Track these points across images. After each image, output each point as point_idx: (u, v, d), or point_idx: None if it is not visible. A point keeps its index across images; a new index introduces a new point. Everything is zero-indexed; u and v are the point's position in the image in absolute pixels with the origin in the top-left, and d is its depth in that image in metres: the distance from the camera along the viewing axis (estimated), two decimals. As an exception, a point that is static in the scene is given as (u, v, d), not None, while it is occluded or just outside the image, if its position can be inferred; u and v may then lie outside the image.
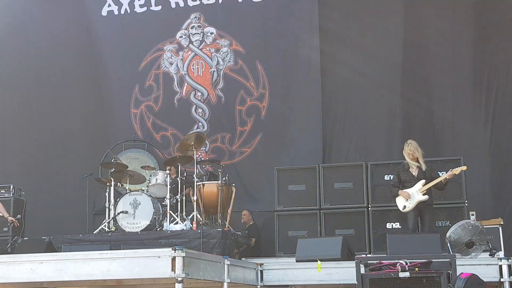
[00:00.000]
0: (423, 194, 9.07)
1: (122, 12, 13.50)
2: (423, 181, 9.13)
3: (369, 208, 10.41)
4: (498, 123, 11.38)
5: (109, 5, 13.54)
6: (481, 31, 11.68)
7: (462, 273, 6.71)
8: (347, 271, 8.00)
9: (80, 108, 13.44)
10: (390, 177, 10.19)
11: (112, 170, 10.91)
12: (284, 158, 12.16)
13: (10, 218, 10.41)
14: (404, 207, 9.16)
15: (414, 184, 9.16)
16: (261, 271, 8.51)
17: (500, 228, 9.46)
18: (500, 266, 7.70)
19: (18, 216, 10.67)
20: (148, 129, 13.10)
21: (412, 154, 9.22)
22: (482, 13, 11.72)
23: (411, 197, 9.10)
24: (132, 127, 13.05)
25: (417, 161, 9.23)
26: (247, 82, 12.78)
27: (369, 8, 12.25)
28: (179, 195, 10.50)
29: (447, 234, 8.00)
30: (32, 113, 13.71)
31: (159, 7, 13.35)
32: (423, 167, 9.19)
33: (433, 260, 7.16)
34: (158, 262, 6.77)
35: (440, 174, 9.47)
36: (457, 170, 9.13)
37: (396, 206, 9.36)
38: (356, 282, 7.17)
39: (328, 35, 12.34)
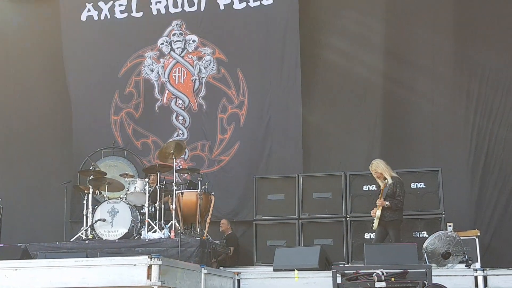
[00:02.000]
0: (380, 210, 9.03)
1: (102, 17, 13.43)
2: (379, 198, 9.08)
3: (348, 218, 10.41)
4: (477, 135, 11.45)
5: (89, 10, 13.47)
6: (461, 38, 11.76)
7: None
8: (324, 280, 7.98)
9: (59, 115, 13.36)
10: (368, 187, 10.25)
11: (90, 178, 10.86)
12: (262, 167, 12.16)
13: None
14: (372, 226, 9.23)
15: None
16: (238, 280, 8.52)
17: (477, 240, 9.52)
18: (476, 277, 7.77)
19: None
20: (129, 136, 13.04)
21: (374, 172, 9.28)
22: (462, 21, 11.79)
23: (376, 214, 9.12)
24: (112, 134, 12.98)
25: (382, 176, 9.21)
26: (229, 90, 12.78)
27: (351, 12, 12.29)
28: (157, 203, 10.45)
29: (424, 245, 8.03)
30: (9, 120, 13.62)
31: (140, 14, 13.30)
32: (389, 182, 9.14)
33: (409, 270, 7.18)
34: (134, 270, 6.76)
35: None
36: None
37: (370, 217, 9.37)
38: (333, 292, 7.18)
39: (309, 42, 12.36)
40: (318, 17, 12.51)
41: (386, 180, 9.11)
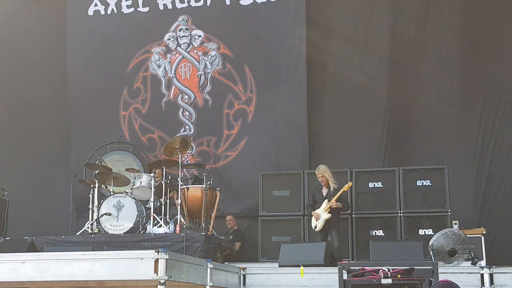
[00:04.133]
0: (328, 213, 9.44)
1: (109, 12, 13.44)
2: (326, 200, 9.54)
3: (353, 215, 10.45)
4: (484, 133, 11.45)
5: (96, 5, 13.48)
6: (469, 39, 11.75)
7: (440, 280, 6.75)
8: (329, 277, 7.99)
9: (66, 108, 13.37)
10: (374, 184, 10.26)
11: (96, 172, 10.87)
12: (269, 163, 12.15)
13: None
14: (315, 227, 9.59)
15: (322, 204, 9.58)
16: (244, 275, 8.52)
17: (483, 238, 9.56)
18: (482, 275, 7.77)
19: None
20: (136, 131, 13.06)
21: (321, 176, 9.64)
22: (471, 20, 11.78)
23: (320, 217, 9.51)
24: (120, 129, 13.00)
25: (328, 182, 9.61)
26: (235, 86, 12.78)
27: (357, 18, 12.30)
28: (163, 198, 10.46)
29: (430, 242, 8.03)
30: (17, 114, 13.65)
31: (146, 9, 13.32)
32: (331, 187, 9.60)
33: (415, 267, 7.17)
34: (141, 264, 6.74)
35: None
36: (345, 187, 9.56)
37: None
38: (338, 288, 7.18)
39: (315, 42, 12.37)
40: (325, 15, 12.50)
41: (329, 186, 9.58)
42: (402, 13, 12.01)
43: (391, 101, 11.94)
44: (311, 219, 9.76)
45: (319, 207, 9.62)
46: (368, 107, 12.08)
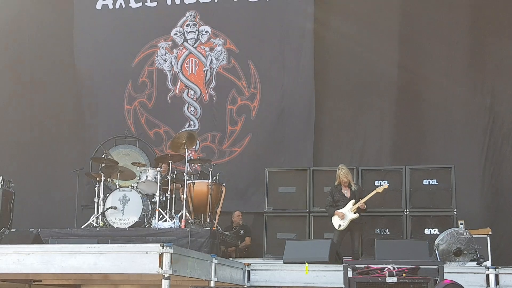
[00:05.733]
0: (354, 213, 9.54)
1: (117, 6, 13.44)
2: (353, 201, 9.64)
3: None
4: (491, 133, 11.42)
5: (104, -1, 13.51)
6: (478, 34, 11.71)
7: (444, 279, 6.72)
8: (334, 274, 8.00)
9: (73, 102, 13.39)
10: (380, 182, 10.24)
11: (102, 165, 10.85)
12: (274, 159, 12.14)
13: None
14: (339, 225, 9.64)
15: (346, 204, 9.61)
16: (249, 272, 8.51)
17: (488, 238, 9.54)
18: (487, 275, 7.74)
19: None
20: (142, 125, 13.07)
21: (345, 176, 9.71)
22: (479, 17, 11.75)
23: (345, 216, 9.54)
24: (125, 123, 13.00)
25: (349, 183, 9.72)
26: (239, 81, 12.77)
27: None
28: (168, 192, 10.45)
29: (436, 242, 8.03)
30: (24, 105, 13.67)
31: (154, 3, 13.31)
32: (353, 188, 9.72)
33: (420, 266, 7.15)
34: (145, 257, 6.73)
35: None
36: (380, 189, 9.66)
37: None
38: (343, 286, 7.15)
39: (322, 40, 12.35)
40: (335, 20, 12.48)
41: (350, 186, 9.71)
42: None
43: (398, 98, 11.92)
44: (331, 218, 9.74)
45: (341, 207, 9.64)
46: (375, 105, 12.08)
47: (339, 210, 9.63)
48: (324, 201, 10.42)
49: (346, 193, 9.74)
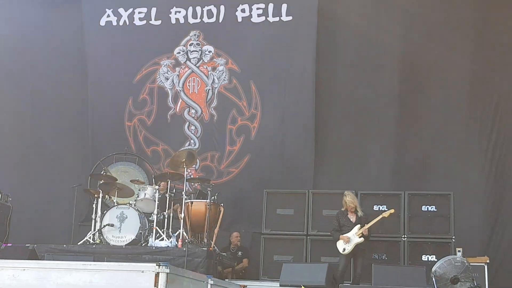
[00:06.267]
0: (359, 237, 9.51)
1: (121, 23, 13.49)
2: (358, 225, 9.59)
3: (357, 237, 10.38)
4: (491, 161, 11.43)
5: (108, 16, 13.53)
6: (478, 66, 11.76)
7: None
8: (330, 299, 7.95)
9: (72, 117, 13.41)
10: (379, 207, 10.22)
11: (101, 182, 10.84)
12: (273, 181, 12.08)
13: None
14: (344, 249, 9.59)
15: (351, 229, 9.58)
16: (245, 293, 8.47)
17: (486, 267, 9.47)
18: (485, 304, 7.70)
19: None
20: (140, 142, 13.05)
21: (351, 202, 9.71)
22: (480, 47, 11.81)
23: (351, 241, 9.53)
24: (125, 140, 13.00)
25: (356, 209, 9.72)
26: (240, 101, 12.79)
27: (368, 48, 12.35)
28: (166, 211, 10.43)
29: (433, 269, 8.00)
30: (24, 121, 13.65)
31: (159, 22, 13.36)
32: (360, 214, 9.71)
33: (417, 293, 7.14)
34: (141, 276, 6.71)
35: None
36: (386, 214, 9.63)
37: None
38: (340, 311, 7.13)
39: (324, 60, 12.38)
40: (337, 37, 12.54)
41: (356, 212, 9.70)
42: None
43: (398, 123, 11.93)
44: (336, 243, 9.68)
45: (346, 232, 9.61)
46: (375, 130, 12.08)
47: (344, 235, 9.61)
48: (322, 224, 10.41)
49: (352, 218, 9.72)
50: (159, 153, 12.95)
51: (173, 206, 10.67)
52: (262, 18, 12.82)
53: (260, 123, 12.60)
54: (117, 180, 11.09)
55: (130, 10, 13.43)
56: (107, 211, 10.37)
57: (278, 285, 8.85)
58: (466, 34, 11.91)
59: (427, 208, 10.04)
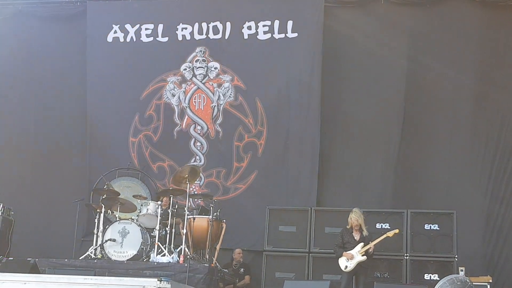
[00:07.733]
0: (362, 255, 9.47)
1: (128, 40, 13.53)
2: (361, 243, 9.57)
3: (359, 256, 10.34)
4: (495, 180, 11.42)
5: (115, 32, 13.58)
6: (483, 86, 11.77)
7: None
8: (331, 317, 7.91)
9: (76, 132, 13.44)
10: (381, 225, 10.19)
11: (103, 197, 10.86)
12: (278, 197, 12.11)
13: None
14: (346, 267, 9.55)
15: (354, 247, 9.55)
16: (245, 310, 8.43)
17: (489, 286, 9.42)
18: (487, 324, 7.64)
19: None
20: (146, 158, 13.07)
21: (357, 220, 9.66)
22: (484, 66, 11.83)
23: (354, 258, 9.51)
24: (129, 155, 13.01)
25: (360, 227, 9.67)
26: (246, 118, 12.81)
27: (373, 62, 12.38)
28: (168, 227, 10.42)
29: (435, 288, 7.93)
30: (27, 134, 13.69)
31: (165, 39, 13.41)
32: (364, 233, 9.67)
33: (418, 312, 7.09)
34: (142, 292, 6.68)
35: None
36: (390, 233, 9.61)
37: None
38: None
39: (329, 78, 12.41)
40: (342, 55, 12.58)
41: (361, 230, 9.66)
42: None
43: (401, 142, 11.93)
44: (338, 260, 9.65)
45: (349, 249, 9.58)
46: (379, 148, 12.08)
47: (348, 252, 9.56)
48: (324, 242, 10.38)
49: (356, 236, 9.68)
50: (165, 169, 12.97)
51: (175, 221, 10.66)
52: (268, 35, 12.86)
53: (266, 140, 12.61)
54: (119, 195, 11.11)
55: (137, 26, 13.48)
56: (109, 226, 10.39)
57: (280, 302, 8.81)
58: (470, 53, 11.96)
59: (430, 226, 10.00)
